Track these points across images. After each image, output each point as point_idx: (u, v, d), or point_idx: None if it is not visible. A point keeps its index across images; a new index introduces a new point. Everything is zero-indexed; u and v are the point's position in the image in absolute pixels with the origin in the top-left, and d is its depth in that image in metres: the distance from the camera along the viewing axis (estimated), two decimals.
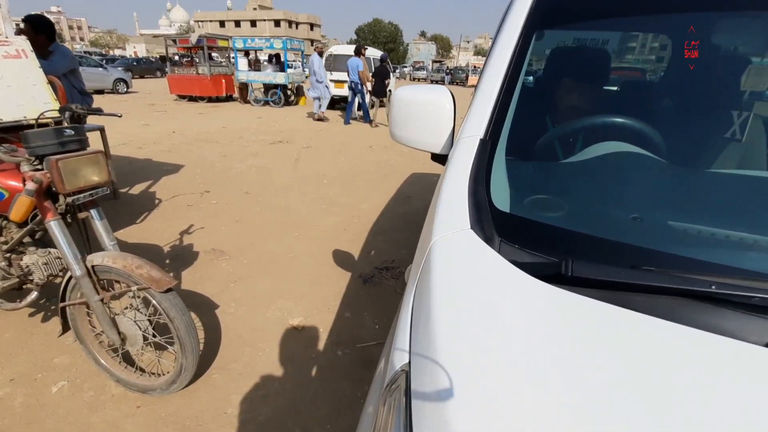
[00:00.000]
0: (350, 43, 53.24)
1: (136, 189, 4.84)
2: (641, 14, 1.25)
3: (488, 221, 0.82)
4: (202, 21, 69.75)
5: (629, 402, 0.51)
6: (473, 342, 0.60)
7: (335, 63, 12.25)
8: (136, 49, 64.63)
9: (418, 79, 43.15)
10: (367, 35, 68.65)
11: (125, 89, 16.73)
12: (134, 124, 9.18)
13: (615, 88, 1.43)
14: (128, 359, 2.07)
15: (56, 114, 1.99)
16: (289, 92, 13.79)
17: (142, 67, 27.34)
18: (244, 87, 13.81)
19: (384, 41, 67.30)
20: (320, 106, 10.57)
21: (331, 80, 12.06)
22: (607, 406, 0.51)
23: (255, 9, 68.80)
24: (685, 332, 0.59)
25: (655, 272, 0.66)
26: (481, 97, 1.10)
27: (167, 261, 3.21)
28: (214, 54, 16.51)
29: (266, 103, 13.49)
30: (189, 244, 3.50)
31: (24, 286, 2.10)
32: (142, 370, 2.04)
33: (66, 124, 1.85)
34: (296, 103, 14.10)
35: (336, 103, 13.06)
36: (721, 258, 0.69)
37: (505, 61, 1.13)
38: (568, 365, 0.55)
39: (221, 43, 14.08)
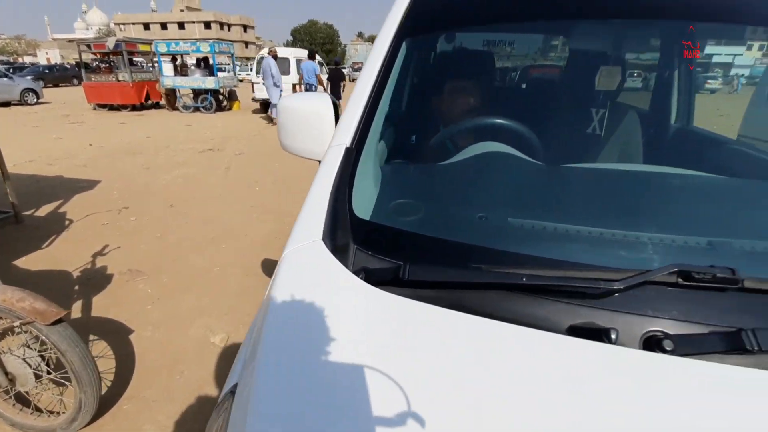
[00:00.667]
0: (287, 45, 52.19)
1: (44, 210, 4.43)
2: (512, 22, 1.32)
3: (344, 230, 0.83)
4: (123, 24, 65.18)
5: (439, 397, 0.54)
6: (293, 356, 0.60)
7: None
8: (49, 56, 59.04)
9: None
10: (303, 36, 67.61)
11: (35, 100, 15.27)
12: (44, 138, 8.40)
13: (490, 91, 1.50)
14: (24, 400, 1.89)
15: None
16: (221, 97, 13.26)
17: (56, 75, 25.12)
18: (171, 93, 13.08)
19: (321, 42, 66.63)
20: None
21: (263, 84, 11.75)
22: (417, 404, 0.53)
23: (182, 11, 65.42)
24: (499, 328, 0.63)
25: (481, 270, 0.70)
26: (351, 105, 1.11)
27: (76, 287, 2.97)
28: (136, 59, 15.52)
29: (197, 109, 12.88)
30: (102, 266, 3.26)
31: None
32: (40, 410, 1.86)
33: None
34: (229, 108, 13.59)
35: (264, 107, 12.72)
36: (546, 251, 0.74)
37: (376, 69, 1.15)
38: (381, 368, 0.57)
39: (142, 48, 13.23)
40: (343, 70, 10.54)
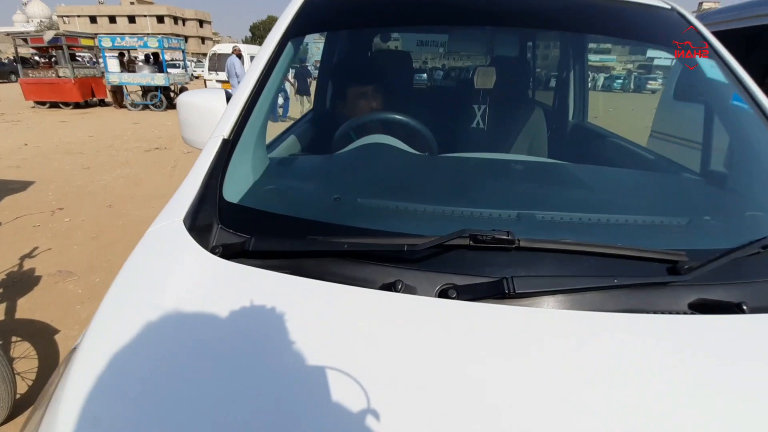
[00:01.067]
0: (245, 41, 50.91)
1: None
2: (400, 26, 1.44)
3: (208, 211, 0.92)
4: (67, 16, 61.40)
5: (279, 351, 0.63)
6: (127, 331, 0.68)
7: (219, 62, 11.72)
8: None
9: None
10: (263, 33, 66.24)
11: None
12: None
13: (387, 88, 1.62)
14: None
15: None
16: (172, 95, 12.85)
17: None
18: (117, 90, 12.55)
19: None
20: None
21: (217, 80, 11.53)
22: (257, 357, 0.63)
23: (132, 3, 62.46)
24: (328, 287, 0.74)
25: (316, 240, 0.81)
26: (233, 99, 1.20)
27: (0, 290, 2.87)
28: (80, 54, 14.77)
29: (146, 107, 12.43)
30: (30, 268, 3.16)
31: None
32: None
33: None
34: None
35: None
36: (375, 224, 0.87)
37: (260, 66, 1.24)
38: (219, 330, 0.67)
39: (85, 42, 12.63)
40: (308, 68, 10.49)
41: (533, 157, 1.18)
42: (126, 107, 12.57)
